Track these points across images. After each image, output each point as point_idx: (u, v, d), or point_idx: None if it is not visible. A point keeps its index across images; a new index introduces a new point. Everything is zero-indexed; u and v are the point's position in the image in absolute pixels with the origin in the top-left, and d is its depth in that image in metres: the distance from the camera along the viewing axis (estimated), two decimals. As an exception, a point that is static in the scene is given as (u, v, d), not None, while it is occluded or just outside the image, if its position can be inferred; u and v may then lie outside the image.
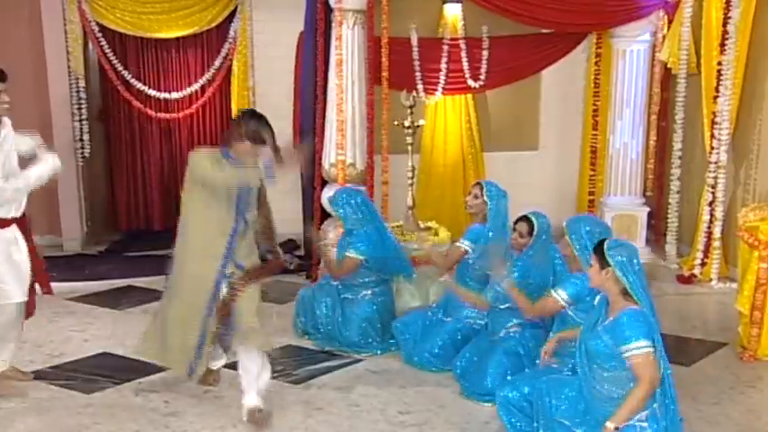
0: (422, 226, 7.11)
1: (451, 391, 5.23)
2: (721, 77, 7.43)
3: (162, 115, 9.52)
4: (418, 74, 8.60)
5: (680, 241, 8.54)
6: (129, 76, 9.23)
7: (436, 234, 6.99)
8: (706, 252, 7.76)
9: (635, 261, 3.83)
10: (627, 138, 8.56)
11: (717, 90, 7.49)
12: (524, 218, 5.21)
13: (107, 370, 5.60)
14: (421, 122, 7.27)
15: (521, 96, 9.28)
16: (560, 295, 4.63)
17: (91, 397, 5.15)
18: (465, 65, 8.66)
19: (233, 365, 5.00)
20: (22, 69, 8.60)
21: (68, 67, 8.91)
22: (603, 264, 3.82)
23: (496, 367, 5.04)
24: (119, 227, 10.05)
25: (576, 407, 4.00)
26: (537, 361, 4.52)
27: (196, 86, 9.37)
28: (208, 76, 9.30)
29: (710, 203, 7.69)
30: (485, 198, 5.64)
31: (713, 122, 7.59)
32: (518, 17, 8.14)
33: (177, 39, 9.25)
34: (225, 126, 9.80)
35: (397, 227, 7.12)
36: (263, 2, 8.87)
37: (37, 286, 5.23)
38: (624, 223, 8.49)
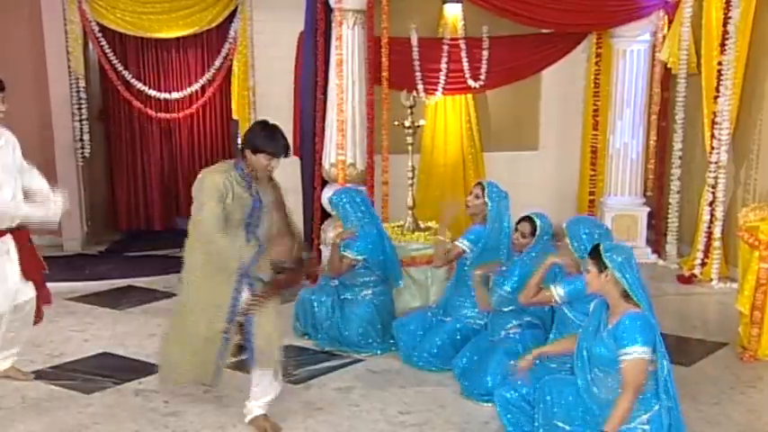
0: (422, 226, 7.11)
1: (452, 391, 5.23)
2: (721, 77, 7.42)
3: (162, 115, 9.53)
4: (418, 74, 8.59)
5: (680, 241, 8.54)
6: (130, 76, 9.23)
7: (435, 234, 6.98)
8: (706, 252, 7.75)
9: (632, 262, 3.82)
10: (627, 138, 8.56)
11: (717, 90, 7.49)
12: (527, 218, 5.21)
13: (107, 370, 5.60)
14: (421, 122, 7.26)
15: (521, 96, 9.27)
16: (557, 291, 4.63)
17: (91, 397, 5.15)
18: (465, 65, 8.66)
19: (232, 365, 4.99)
20: (22, 69, 8.61)
21: (68, 67, 8.91)
22: (601, 267, 3.80)
23: (497, 367, 5.03)
24: (119, 227, 10.06)
25: (575, 410, 3.99)
26: (537, 362, 4.51)
27: (196, 86, 9.38)
28: (208, 76, 9.31)
29: (711, 203, 7.69)
30: (486, 199, 5.63)
31: (713, 122, 7.58)
32: (518, 17, 8.14)
33: (177, 39, 9.26)
34: (225, 126, 9.80)
35: (398, 227, 7.11)
36: (263, 2, 8.86)
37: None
38: (624, 223, 8.49)
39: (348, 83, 7.16)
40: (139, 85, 9.30)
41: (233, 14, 9.05)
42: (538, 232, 5.15)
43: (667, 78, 8.60)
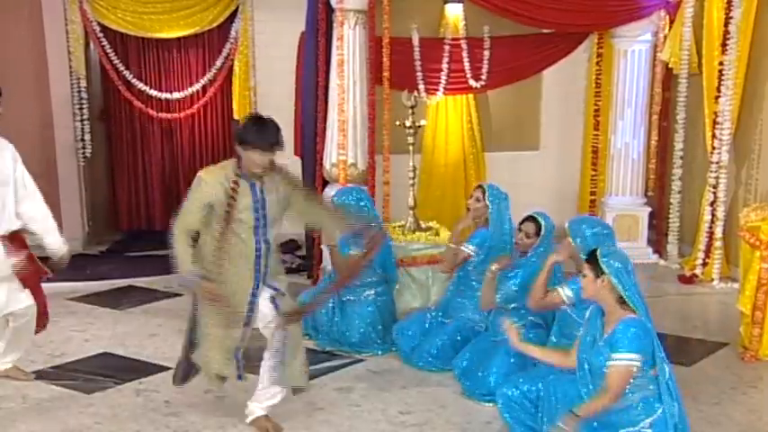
0: (423, 226, 7.11)
1: (452, 391, 5.23)
2: (723, 77, 7.43)
3: (163, 115, 9.53)
4: (419, 74, 8.59)
5: (681, 241, 8.53)
6: (131, 76, 9.24)
7: (437, 234, 6.98)
8: (707, 252, 7.75)
9: (629, 268, 3.80)
10: (628, 138, 8.56)
11: (718, 90, 7.49)
12: (530, 218, 5.19)
13: (108, 370, 5.60)
14: (422, 123, 7.26)
15: (522, 96, 9.27)
16: (565, 292, 4.63)
17: (92, 397, 5.15)
18: (466, 65, 8.66)
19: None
20: (23, 69, 8.61)
21: (70, 67, 8.91)
22: (598, 272, 3.78)
23: (500, 367, 5.03)
24: (120, 227, 10.06)
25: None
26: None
27: (197, 87, 9.38)
28: (209, 76, 9.31)
29: (712, 203, 7.68)
30: (486, 201, 5.64)
31: (715, 122, 7.58)
32: (519, 17, 8.14)
33: (178, 39, 9.25)
34: (226, 126, 9.80)
35: (399, 227, 7.11)
36: (264, 2, 8.87)
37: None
38: (625, 223, 8.49)
39: (349, 83, 7.16)
40: (140, 85, 9.30)
41: (234, 14, 9.06)
42: (542, 232, 5.14)
43: (668, 78, 8.60)
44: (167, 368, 5.55)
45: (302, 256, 8.29)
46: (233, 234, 4.24)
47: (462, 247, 5.68)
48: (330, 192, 7.30)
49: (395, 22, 7.62)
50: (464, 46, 8.62)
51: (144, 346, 6.09)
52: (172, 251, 4.28)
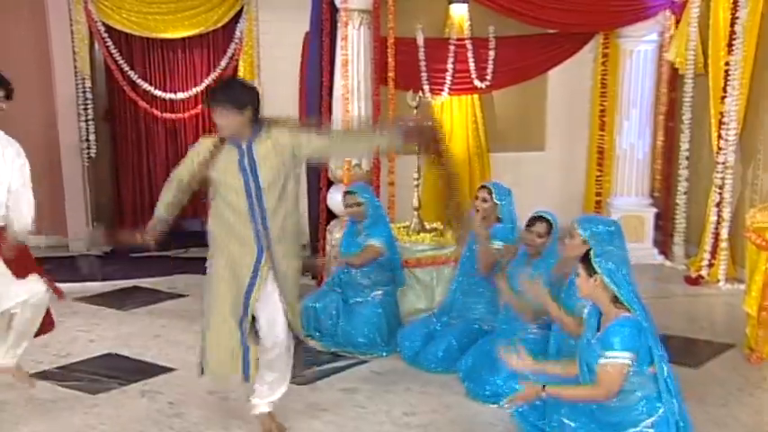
0: (427, 227, 7.10)
1: (457, 393, 5.22)
2: (729, 78, 7.42)
3: (168, 115, 9.54)
4: (424, 74, 8.59)
5: (687, 242, 8.52)
6: (135, 76, 9.25)
7: (441, 235, 6.98)
8: (713, 253, 7.74)
9: (624, 269, 3.79)
10: (634, 138, 8.55)
11: (724, 90, 7.48)
12: (540, 217, 5.16)
13: (113, 371, 5.60)
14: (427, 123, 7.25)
15: (527, 97, 9.26)
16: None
17: (96, 398, 5.15)
18: (471, 65, 8.65)
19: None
20: (27, 70, 8.63)
21: (74, 67, 8.94)
22: (591, 271, 3.78)
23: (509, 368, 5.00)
24: (124, 228, 10.06)
25: (582, 408, 3.98)
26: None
27: (202, 87, 9.38)
28: (214, 76, 9.31)
29: (718, 204, 7.67)
30: (495, 200, 5.65)
31: (721, 123, 7.57)
32: (524, 17, 8.14)
33: (183, 39, 9.27)
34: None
35: (403, 227, 7.11)
36: (268, 2, 8.88)
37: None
38: (631, 224, 8.45)
39: (354, 83, 7.16)
40: (145, 86, 9.32)
41: (239, 15, 9.06)
42: (554, 231, 5.12)
43: (674, 78, 8.59)
44: (172, 369, 5.57)
45: (307, 257, 8.30)
46: (225, 205, 4.17)
47: (491, 246, 5.63)
48: (335, 193, 7.32)
49: (399, 22, 7.63)
50: (469, 46, 8.62)
51: (148, 346, 6.10)
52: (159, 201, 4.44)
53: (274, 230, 4.15)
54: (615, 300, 3.75)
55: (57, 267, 8.20)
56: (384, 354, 5.92)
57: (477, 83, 8.70)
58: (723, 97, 7.50)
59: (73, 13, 8.82)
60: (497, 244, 5.58)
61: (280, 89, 8.67)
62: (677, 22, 8.26)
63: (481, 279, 5.64)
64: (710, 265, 7.76)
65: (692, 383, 5.07)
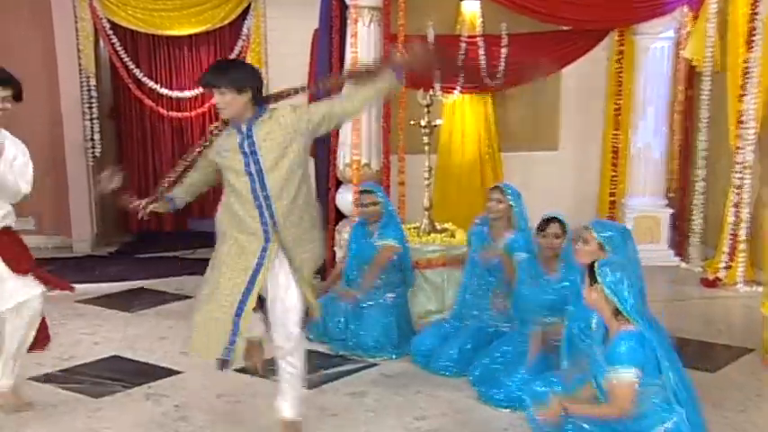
0: (438, 228, 7.09)
1: (468, 397, 5.19)
2: (747, 75, 7.37)
3: (174, 114, 9.56)
4: (436, 72, 8.56)
5: (704, 243, 8.47)
6: (141, 74, 9.28)
7: (452, 236, 6.96)
8: (731, 255, 7.69)
9: (629, 279, 3.76)
10: (649, 137, 8.52)
11: (743, 88, 7.43)
12: (553, 218, 5.15)
13: (117, 373, 5.59)
14: (438, 122, 7.24)
15: (540, 95, 9.24)
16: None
17: (100, 401, 5.15)
18: (483, 63, 8.62)
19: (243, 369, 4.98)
20: (32, 67, 8.65)
21: (79, 65, 8.97)
22: (593, 281, 3.77)
23: (526, 372, 4.98)
24: (130, 228, 10.09)
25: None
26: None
27: (208, 85, 9.37)
28: (221, 73, 9.30)
29: (736, 205, 7.63)
30: (509, 201, 5.64)
31: (739, 121, 7.52)
32: (537, 14, 8.11)
33: (190, 36, 9.29)
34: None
35: (414, 228, 7.09)
36: (276, -1, 8.89)
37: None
38: (646, 225, 8.44)
39: (363, 81, 7.14)
40: (151, 84, 9.34)
41: (246, 11, 9.07)
42: (567, 230, 5.11)
43: (691, 76, 8.56)
44: (178, 372, 5.56)
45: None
46: (231, 191, 4.13)
47: (515, 256, 5.61)
48: (344, 193, 7.31)
49: (410, 19, 7.60)
50: (481, 43, 8.59)
51: (154, 349, 6.09)
52: None
53: (280, 213, 4.06)
54: (617, 312, 3.74)
55: (60, 268, 8.23)
56: (394, 356, 5.90)
57: (488, 81, 8.68)
58: (742, 95, 7.45)
59: (78, 11, 8.84)
60: (520, 255, 5.55)
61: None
62: (695, 18, 8.23)
63: (489, 280, 5.64)
64: (728, 267, 7.72)
65: (710, 388, 5.04)
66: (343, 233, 7.17)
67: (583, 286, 3.90)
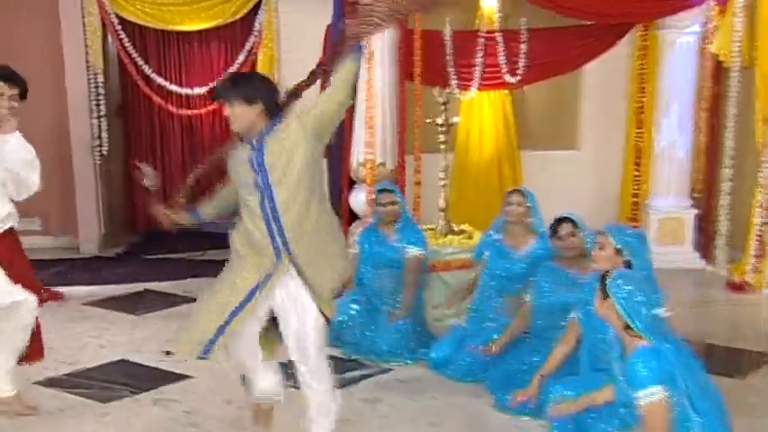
0: (455, 229, 7.09)
1: (485, 403, 5.19)
2: (776, 70, 7.35)
3: (183, 112, 9.59)
4: (452, 69, 8.56)
5: (731, 246, 8.42)
6: (150, 70, 9.31)
7: (470, 237, 6.95)
8: (759, 257, 7.66)
9: (639, 293, 3.74)
10: (674, 135, 8.48)
11: (771, 84, 7.41)
12: (564, 218, 5.15)
13: (124, 378, 5.61)
14: (455, 120, 7.24)
15: (560, 92, 9.23)
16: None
17: (107, 406, 5.17)
18: (502, 59, 8.61)
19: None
20: (38, 63, 8.68)
21: (87, 61, 9.00)
22: (605, 294, 3.76)
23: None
24: (137, 228, 10.13)
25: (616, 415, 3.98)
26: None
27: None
28: (231, 70, 9.33)
29: (763, 205, 7.59)
30: (528, 204, 5.64)
31: (767, 119, 7.49)
32: (558, 8, 8.08)
33: (200, 31, 9.31)
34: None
35: (430, 230, 7.09)
36: (289, -7, 8.90)
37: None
38: (670, 226, 8.41)
39: (378, 78, 7.15)
40: (160, 80, 9.37)
41: (257, 6, 9.09)
42: (581, 226, 5.10)
43: (718, 72, 8.51)
44: (187, 377, 5.58)
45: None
46: (244, 206, 4.07)
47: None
48: (358, 193, 7.32)
49: (427, 15, 7.60)
50: (499, 39, 8.56)
51: (162, 353, 6.10)
52: None
53: (289, 227, 3.96)
54: (628, 327, 3.73)
55: (67, 270, 8.28)
56: (408, 362, 5.91)
57: (507, 78, 8.64)
58: (770, 91, 7.44)
59: (85, 5, 8.87)
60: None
61: (300, 84, 8.68)
62: (722, 11, 8.18)
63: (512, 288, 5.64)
64: (755, 271, 7.68)
65: (735, 395, 5.00)
66: (356, 234, 7.18)
67: (595, 297, 3.89)
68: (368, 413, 5.08)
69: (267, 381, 4.32)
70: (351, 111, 7.47)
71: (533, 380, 4.74)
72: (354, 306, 6.10)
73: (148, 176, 4.43)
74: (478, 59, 8.59)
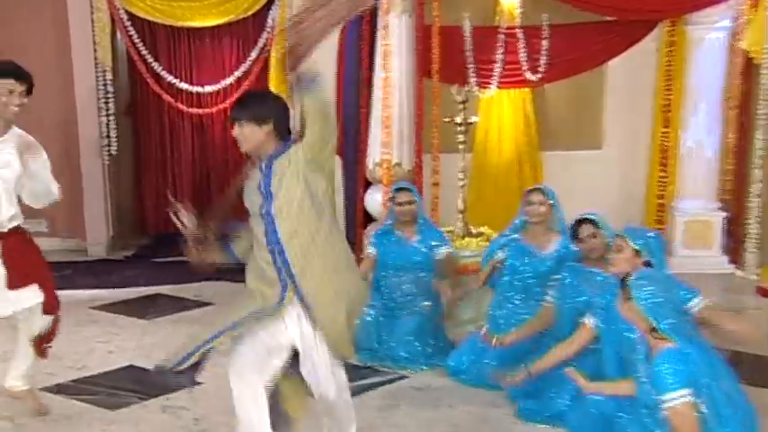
0: (473, 232, 7.08)
1: (506, 413, 5.17)
2: (809, 68, 7.31)
3: (194, 110, 9.60)
4: (471, 66, 8.56)
5: (761, 249, 8.38)
6: (160, 67, 9.32)
7: (488, 240, 6.94)
8: (790, 262, 7.64)
9: (662, 294, 3.74)
10: (702, 135, 8.45)
11: (804, 82, 7.38)
12: (583, 220, 5.17)
13: (133, 384, 5.63)
14: (474, 119, 7.23)
15: (583, 89, 9.20)
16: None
17: (116, 413, 5.19)
18: (523, 56, 8.60)
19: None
20: (45, 61, 8.73)
21: (95, 58, 9.03)
22: (628, 295, 3.77)
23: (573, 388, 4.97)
24: (147, 230, 10.15)
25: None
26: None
27: (231, 79, 9.42)
28: (244, 68, 9.35)
29: (794, 208, 7.58)
30: (550, 202, 5.64)
31: (798, 118, 7.47)
32: (580, 3, 8.08)
33: (211, 28, 9.31)
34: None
35: (448, 232, 7.09)
36: (303, -12, 8.90)
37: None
38: (698, 229, 8.38)
39: (395, 75, 7.16)
40: (170, 78, 9.38)
41: (270, 2, 9.08)
42: (602, 226, 5.11)
43: (748, 69, 8.47)
44: (197, 383, 5.57)
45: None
46: (254, 236, 3.98)
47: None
48: (374, 194, 7.32)
49: (445, 10, 7.62)
50: (520, 35, 8.57)
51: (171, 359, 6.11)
52: None
53: (292, 255, 3.83)
54: (653, 329, 3.72)
55: (74, 273, 8.31)
56: (424, 368, 5.90)
57: (528, 75, 8.65)
58: (802, 90, 7.40)
59: (93, 1, 8.90)
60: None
61: (314, 82, 8.68)
62: (753, 6, 8.14)
63: (535, 291, 5.63)
64: (787, 276, 7.66)
65: (766, 404, 4.98)
66: (371, 237, 7.19)
67: (616, 300, 3.90)
68: (383, 421, 5.08)
69: None
70: (366, 109, 7.49)
71: (523, 367, 4.83)
72: (370, 312, 6.10)
73: (186, 219, 4.19)
74: (498, 56, 8.59)
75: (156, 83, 9.35)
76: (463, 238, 6.97)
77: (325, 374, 4.00)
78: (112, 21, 9.05)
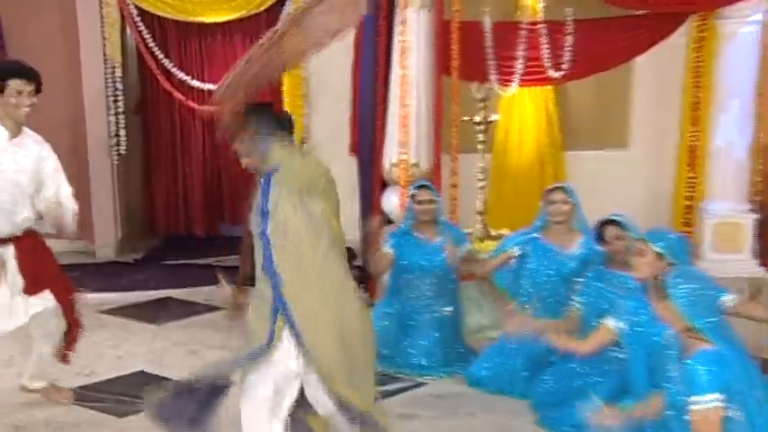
0: (493, 234, 7.08)
1: (528, 422, 5.18)
2: None
3: (206, 108, 9.62)
4: (492, 63, 8.53)
5: (793, 253, 8.37)
6: (170, 64, 9.35)
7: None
8: (823, 266, 7.60)
9: (699, 292, 3.73)
10: (732, 134, 8.40)
11: (839, 79, 7.34)
12: (608, 221, 5.20)
13: (143, 391, 5.63)
14: (494, 118, 7.24)
15: (609, 87, 9.18)
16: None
17: (125, 421, 5.21)
18: (545, 52, 8.58)
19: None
20: (53, 57, 8.77)
21: (104, 54, 9.06)
22: (662, 294, 3.77)
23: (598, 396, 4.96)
24: (157, 232, 10.19)
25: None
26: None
27: (243, 77, 9.43)
28: (256, 65, 9.36)
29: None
30: (572, 201, 5.64)
31: (833, 117, 7.44)
32: (606, -2, 8.07)
33: (222, 23, 9.32)
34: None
35: (467, 234, 7.09)
36: (318, -18, 8.91)
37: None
38: (728, 232, 8.33)
39: (413, 73, 7.16)
40: (181, 75, 9.41)
41: (284, -3, 9.11)
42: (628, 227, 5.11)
43: (782, 65, 8.44)
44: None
45: (358, 267, 8.31)
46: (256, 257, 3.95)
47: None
48: (390, 195, 7.32)
49: (466, 5, 7.60)
50: (543, 31, 8.53)
51: (183, 364, 6.12)
52: None
53: (286, 279, 3.77)
54: (689, 329, 3.71)
55: (82, 276, 8.34)
56: (443, 375, 5.90)
57: (551, 72, 8.61)
58: (838, 87, 7.36)
59: (103, -4, 8.96)
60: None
61: (330, 80, 8.71)
62: (787, 0, 8.12)
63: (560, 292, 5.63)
64: (820, 280, 7.62)
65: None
66: (387, 239, 7.19)
67: (649, 301, 3.89)
68: (402, 429, 5.08)
69: None
70: (383, 108, 7.49)
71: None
72: (388, 316, 6.10)
73: (224, 294, 4.31)
74: (520, 53, 8.54)
75: (167, 80, 9.36)
76: (482, 240, 6.98)
77: (321, 396, 3.86)
78: (122, 16, 9.08)
